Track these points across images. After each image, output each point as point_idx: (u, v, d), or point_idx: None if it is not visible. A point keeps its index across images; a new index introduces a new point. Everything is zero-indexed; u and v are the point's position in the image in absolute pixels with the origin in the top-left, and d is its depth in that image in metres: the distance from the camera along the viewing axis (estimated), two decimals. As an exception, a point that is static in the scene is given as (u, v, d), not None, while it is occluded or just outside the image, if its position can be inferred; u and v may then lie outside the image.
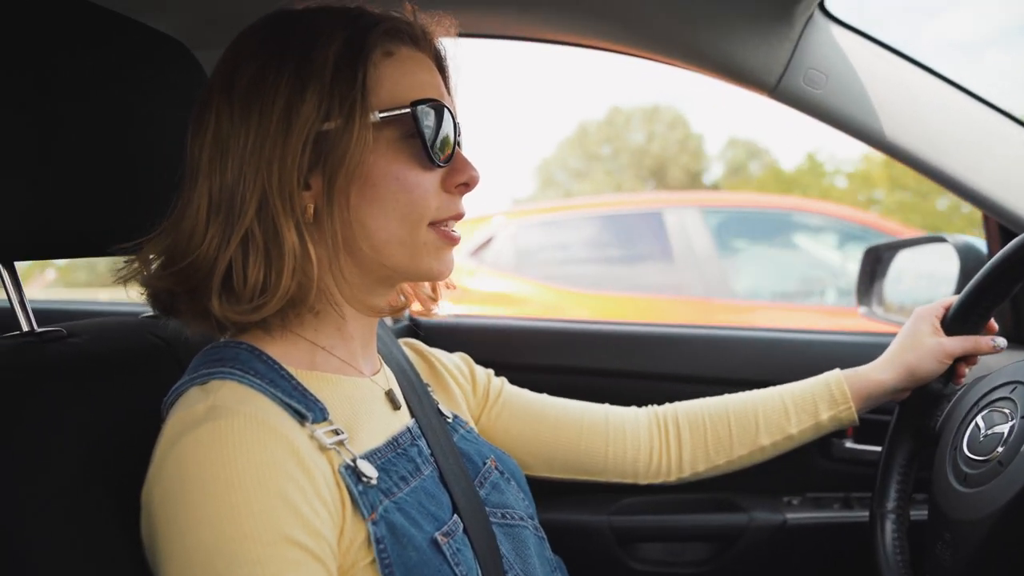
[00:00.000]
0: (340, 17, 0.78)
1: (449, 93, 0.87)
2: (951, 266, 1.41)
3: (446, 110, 0.80)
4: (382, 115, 0.76)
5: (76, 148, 0.83)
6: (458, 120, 0.85)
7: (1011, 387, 0.95)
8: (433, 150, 0.78)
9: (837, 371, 1.10)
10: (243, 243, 0.73)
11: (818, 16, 1.18)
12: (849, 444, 1.55)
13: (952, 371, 1.07)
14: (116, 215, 0.87)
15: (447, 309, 0.99)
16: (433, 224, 0.80)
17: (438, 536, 0.75)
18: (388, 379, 0.91)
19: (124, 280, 0.80)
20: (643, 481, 1.11)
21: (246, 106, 0.74)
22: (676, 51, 1.23)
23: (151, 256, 0.78)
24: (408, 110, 0.77)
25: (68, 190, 0.82)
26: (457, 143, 0.83)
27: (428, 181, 0.79)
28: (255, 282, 0.73)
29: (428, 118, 0.78)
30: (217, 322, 0.76)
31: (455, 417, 0.97)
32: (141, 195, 0.89)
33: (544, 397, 1.11)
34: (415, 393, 0.93)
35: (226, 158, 0.74)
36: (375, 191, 0.77)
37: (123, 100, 0.89)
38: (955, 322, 1.06)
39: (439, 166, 0.80)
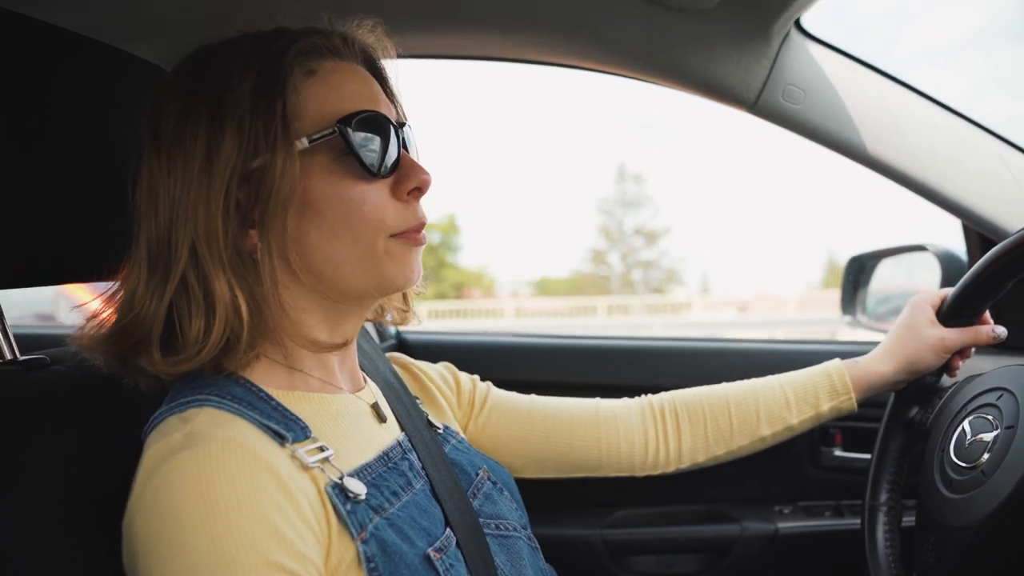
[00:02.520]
0: (255, 46, 0.76)
1: (390, 96, 0.85)
2: (932, 275, 1.43)
3: (382, 120, 0.78)
4: (310, 140, 0.74)
5: (57, 176, 0.83)
6: (404, 123, 0.83)
7: (997, 394, 0.95)
8: (370, 162, 0.76)
9: (837, 361, 1.09)
10: (179, 292, 0.73)
11: (795, 34, 1.20)
12: (838, 452, 1.56)
13: (947, 364, 1.07)
14: (97, 242, 0.87)
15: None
16: (395, 236, 0.79)
17: (431, 552, 0.75)
18: (374, 394, 0.90)
19: (85, 350, 0.77)
20: (640, 473, 1.10)
21: (170, 153, 0.73)
22: (656, 70, 1.24)
23: (106, 314, 0.78)
24: (334, 130, 0.75)
25: (49, 218, 0.82)
26: (403, 148, 0.80)
27: (375, 193, 0.77)
28: (196, 331, 0.72)
29: (361, 132, 0.76)
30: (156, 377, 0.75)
31: (445, 428, 0.97)
32: (121, 222, 0.90)
33: (531, 398, 1.10)
34: (403, 406, 0.92)
35: (158, 207, 0.73)
36: (321, 216, 0.75)
37: (106, 128, 0.89)
38: (951, 315, 1.05)
39: (382, 176, 0.77)
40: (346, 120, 0.75)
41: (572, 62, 1.30)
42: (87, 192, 0.86)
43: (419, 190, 0.80)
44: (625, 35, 1.19)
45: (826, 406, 1.07)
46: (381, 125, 0.77)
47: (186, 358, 0.73)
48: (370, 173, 0.76)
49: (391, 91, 0.87)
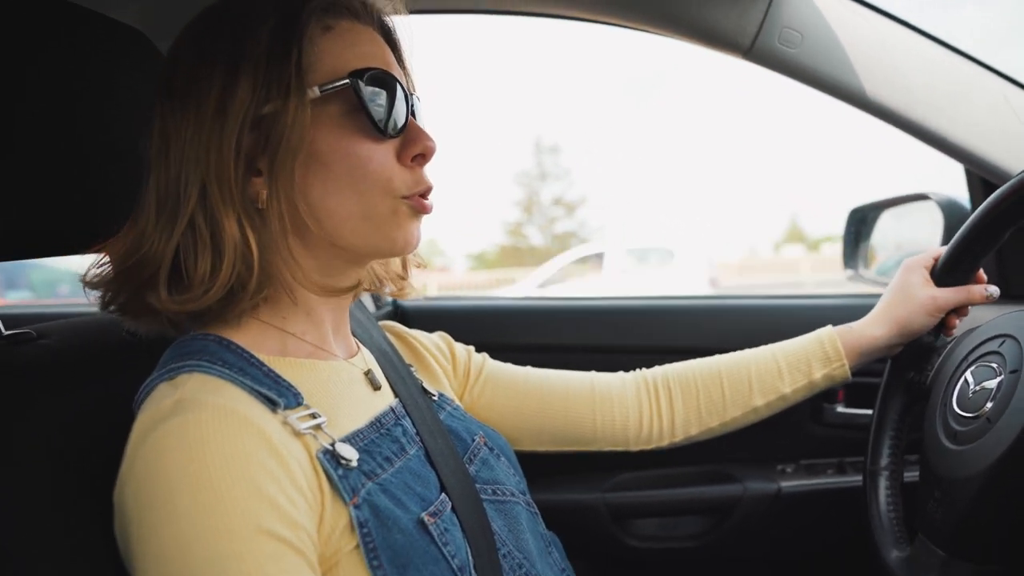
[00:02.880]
0: (273, 0, 0.77)
1: (402, 65, 0.86)
2: (935, 223, 1.40)
3: (393, 80, 0.78)
4: (322, 90, 0.74)
5: (39, 145, 0.81)
6: (413, 90, 0.83)
7: (999, 340, 0.94)
8: (379, 120, 0.76)
9: (829, 328, 1.09)
10: (186, 233, 0.73)
11: (790, -26, 1.16)
12: (841, 408, 1.55)
13: (943, 323, 1.06)
14: (83, 212, 0.85)
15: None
16: (407, 197, 0.79)
17: (424, 516, 0.74)
18: (367, 361, 0.90)
19: (91, 286, 0.79)
20: (635, 447, 1.10)
21: (184, 98, 0.74)
22: (648, 16, 1.21)
23: (112, 257, 0.78)
24: (347, 81, 0.75)
25: (32, 188, 0.80)
26: (412, 113, 0.81)
27: (381, 153, 0.77)
28: (203, 272, 0.72)
29: (371, 88, 0.76)
30: (166, 317, 0.75)
31: (440, 395, 0.96)
32: (107, 190, 0.87)
33: (527, 370, 1.10)
34: (398, 373, 0.92)
35: (169, 152, 0.74)
36: (328, 170, 0.76)
37: (86, 93, 0.87)
38: (945, 273, 1.04)
39: (390, 136, 0.78)
40: (359, 74, 0.76)
41: (561, 11, 1.27)
42: (72, 161, 0.84)
43: (423, 156, 0.80)
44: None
45: (819, 374, 1.07)
46: (392, 85, 0.78)
47: (192, 297, 0.73)
48: (378, 130, 0.76)
49: (404, 61, 0.87)
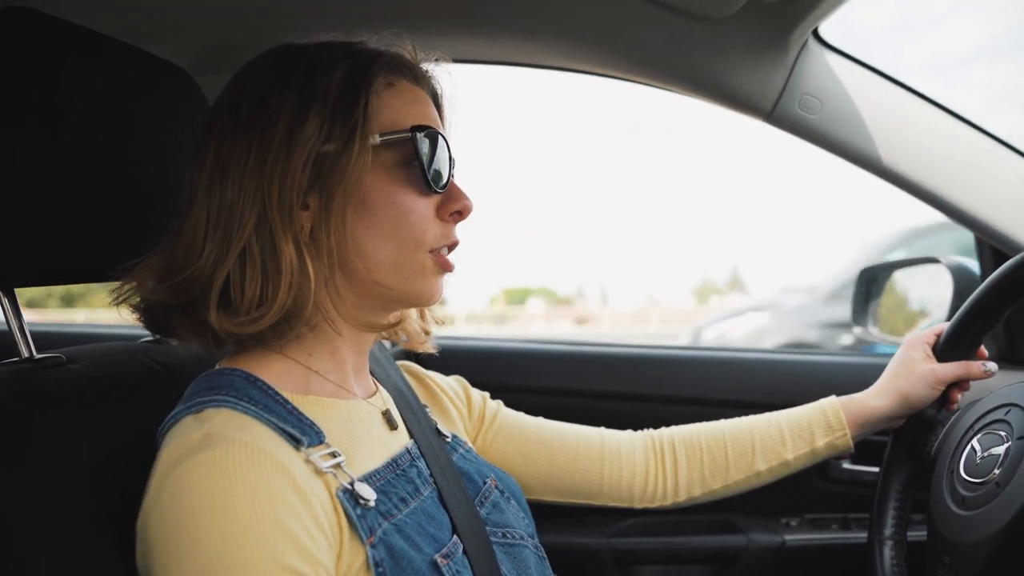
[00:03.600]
0: (344, 49, 0.81)
1: (444, 129, 0.89)
2: (945, 287, 1.42)
3: (443, 139, 0.83)
4: (382, 138, 0.78)
5: (77, 174, 0.83)
6: (453, 153, 0.86)
7: (1005, 409, 0.96)
8: (430, 176, 0.80)
9: (833, 398, 1.10)
10: (241, 258, 0.74)
11: (812, 43, 1.20)
12: (847, 465, 1.55)
13: (945, 397, 1.07)
14: (117, 240, 0.87)
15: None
16: (432, 251, 0.82)
17: (438, 558, 0.75)
18: (385, 400, 0.91)
19: (119, 302, 0.80)
20: (638, 505, 1.11)
21: (249, 126, 0.76)
22: (673, 77, 1.24)
23: (147, 275, 0.78)
24: (408, 134, 0.79)
25: (69, 216, 0.82)
26: (452, 174, 0.85)
27: (424, 207, 0.81)
28: (252, 295, 0.74)
29: (426, 145, 0.80)
30: (213, 336, 0.76)
31: (454, 437, 0.97)
32: (142, 220, 0.89)
33: (540, 420, 1.11)
34: (413, 414, 0.93)
35: (226, 177, 0.75)
36: (372, 214, 0.78)
37: (126, 126, 0.89)
38: (947, 348, 1.06)
39: (436, 192, 0.82)
40: (418, 128, 0.80)
41: (589, 68, 1.30)
42: (108, 192, 0.87)
43: (460, 214, 0.84)
44: (643, 42, 1.19)
45: (821, 442, 1.08)
46: (442, 146, 0.82)
47: (251, 319, 0.74)
48: (427, 185, 0.80)
49: (446, 127, 0.91)
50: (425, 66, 0.88)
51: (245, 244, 0.74)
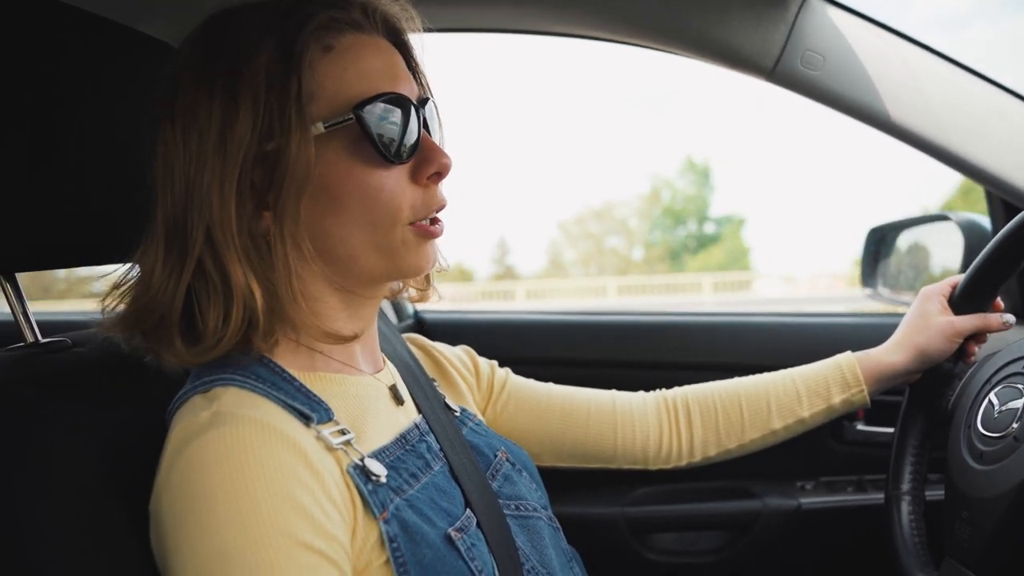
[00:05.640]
0: (273, 17, 0.73)
1: (413, 69, 0.83)
2: (956, 244, 1.40)
3: (401, 100, 0.75)
4: (326, 126, 0.72)
5: (73, 156, 0.82)
6: (427, 99, 0.81)
7: (1023, 362, 0.94)
8: (389, 149, 0.74)
9: (849, 353, 1.09)
10: (196, 277, 0.71)
11: (813, -3, 1.17)
12: (861, 426, 1.55)
13: (962, 350, 1.06)
14: (116, 223, 0.87)
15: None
16: (412, 223, 0.77)
17: (451, 532, 0.75)
18: (392, 376, 0.90)
19: (103, 328, 0.77)
20: (653, 466, 1.10)
21: (184, 127, 0.71)
22: (672, 38, 1.22)
23: (129, 280, 0.77)
24: (351, 116, 0.72)
25: (67, 199, 0.82)
26: (426, 126, 0.79)
27: (393, 180, 0.75)
28: (215, 321, 0.71)
29: (377, 115, 0.73)
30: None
31: (463, 410, 0.97)
32: (140, 201, 0.89)
33: (549, 386, 1.10)
34: (421, 389, 0.92)
35: (174, 185, 0.72)
36: (338, 202, 0.74)
37: (118, 106, 0.88)
38: (963, 300, 1.05)
39: (400, 162, 0.75)
40: (362, 104, 0.73)
41: (586, 32, 1.28)
42: (100, 173, 0.86)
43: (439, 174, 0.78)
44: (640, 3, 1.17)
45: (837, 399, 1.07)
46: (400, 107, 0.75)
47: (208, 347, 0.72)
48: (387, 160, 0.74)
49: (415, 63, 0.84)
50: (369, 4, 0.78)
51: (198, 262, 0.71)
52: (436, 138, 0.82)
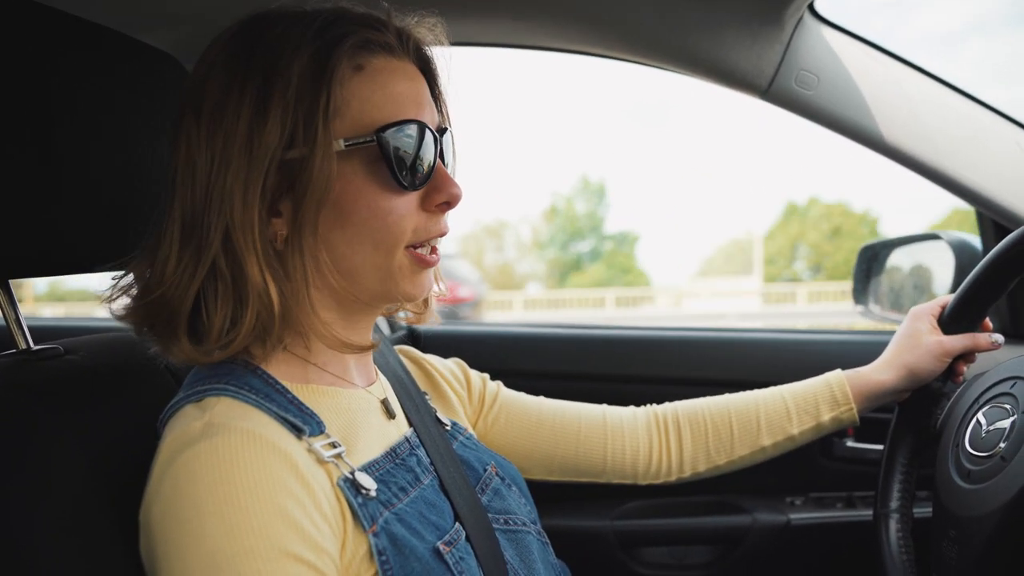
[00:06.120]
0: (310, 29, 0.74)
1: (437, 98, 0.84)
2: (947, 263, 1.41)
3: (421, 128, 0.77)
4: (347, 144, 0.73)
5: (70, 165, 0.82)
6: (446, 129, 0.82)
7: (1011, 383, 0.95)
8: (404, 174, 0.75)
9: (838, 371, 1.10)
10: (209, 276, 0.72)
11: (808, 18, 1.18)
12: (851, 443, 1.55)
13: (951, 369, 1.07)
14: (111, 232, 0.87)
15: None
16: (410, 247, 0.78)
17: (440, 545, 0.75)
18: (384, 389, 0.90)
19: (110, 301, 0.78)
20: (643, 481, 1.10)
21: (211, 126, 0.72)
22: (668, 55, 1.23)
23: (134, 278, 0.78)
24: (372, 139, 0.74)
25: (63, 207, 0.82)
26: (440, 158, 0.80)
27: (403, 205, 0.76)
28: (222, 321, 0.72)
29: (398, 141, 0.74)
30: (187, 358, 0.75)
31: (453, 424, 0.97)
32: (135, 211, 0.89)
33: (541, 400, 1.11)
34: (412, 402, 0.92)
35: (194, 178, 0.72)
36: (347, 218, 0.75)
37: (118, 116, 0.89)
38: (952, 320, 1.06)
39: (413, 189, 0.77)
40: (385, 128, 0.74)
41: (583, 48, 1.29)
42: (97, 182, 0.86)
43: (448, 204, 0.80)
44: (637, 21, 1.18)
45: (827, 416, 1.07)
46: (420, 136, 0.76)
47: (213, 348, 0.72)
48: (401, 185, 0.75)
49: (439, 91, 0.85)
50: (405, 30, 0.80)
51: (213, 261, 0.72)
52: (450, 168, 0.83)
